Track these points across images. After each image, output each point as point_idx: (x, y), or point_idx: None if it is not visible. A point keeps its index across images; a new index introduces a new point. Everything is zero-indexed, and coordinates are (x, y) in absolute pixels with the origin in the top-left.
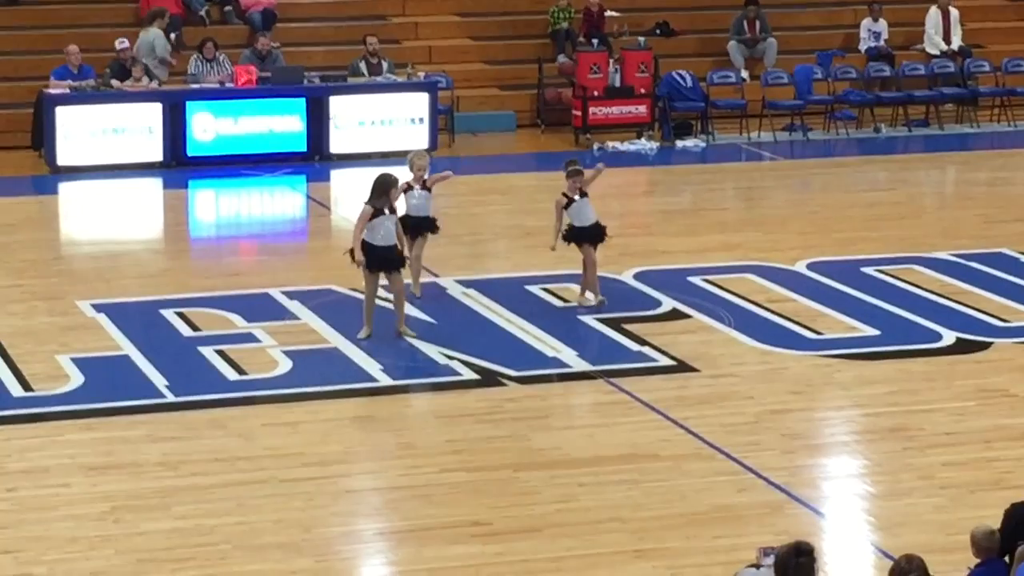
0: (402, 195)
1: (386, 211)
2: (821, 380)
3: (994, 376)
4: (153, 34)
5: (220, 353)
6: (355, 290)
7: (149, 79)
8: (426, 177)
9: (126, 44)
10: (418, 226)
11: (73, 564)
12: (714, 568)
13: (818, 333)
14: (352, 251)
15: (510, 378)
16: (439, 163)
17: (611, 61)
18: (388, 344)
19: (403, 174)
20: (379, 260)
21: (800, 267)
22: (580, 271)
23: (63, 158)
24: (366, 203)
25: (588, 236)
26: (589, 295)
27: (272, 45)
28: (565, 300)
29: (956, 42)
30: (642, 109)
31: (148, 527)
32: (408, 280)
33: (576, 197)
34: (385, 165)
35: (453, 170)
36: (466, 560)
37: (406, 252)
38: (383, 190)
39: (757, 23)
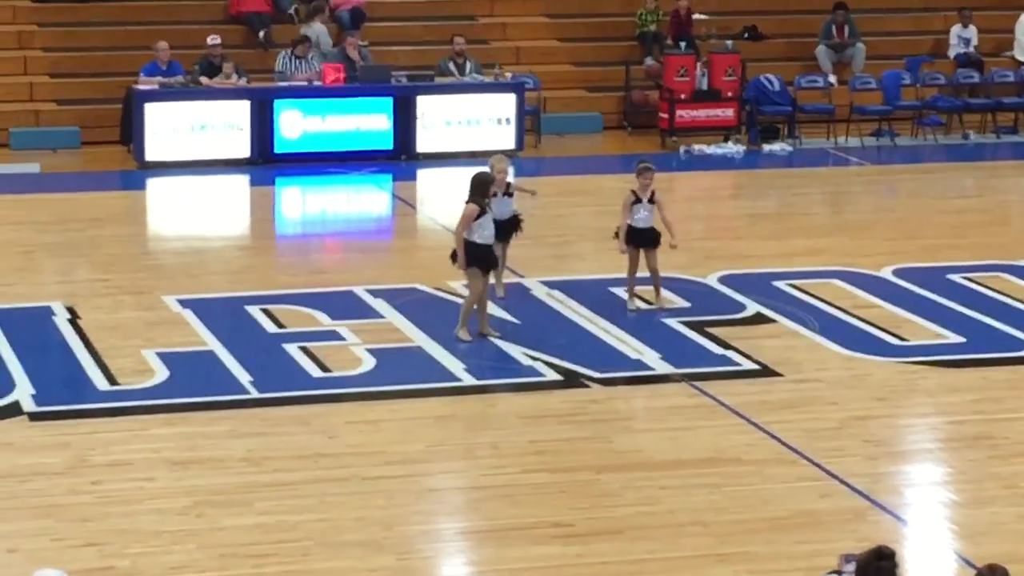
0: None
1: (488, 209)
2: (905, 387)
3: None
4: (317, 29)
5: (304, 350)
6: (440, 289)
7: (238, 76)
8: (510, 181)
9: (218, 40)
10: (503, 228)
11: (156, 558)
12: (796, 574)
13: (903, 340)
14: (454, 252)
15: (593, 380)
16: (526, 164)
17: (698, 64)
18: (472, 344)
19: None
20: (482, 259)
21: (886, 273)
22: (662, 274)
23: (151, 154)
24: (468, 202)
25: (641, 240)
26: (665, 294)
27: (361, 44)
28: (649, 302)
29: None
30: (729, 113)
31: (230, 522)
32: (492, 281)
33: (644, 198)
34: (472, 165)
35: (540, 170)
36: (547, 561)
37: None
38: (483, 188)
39: (846, 28)
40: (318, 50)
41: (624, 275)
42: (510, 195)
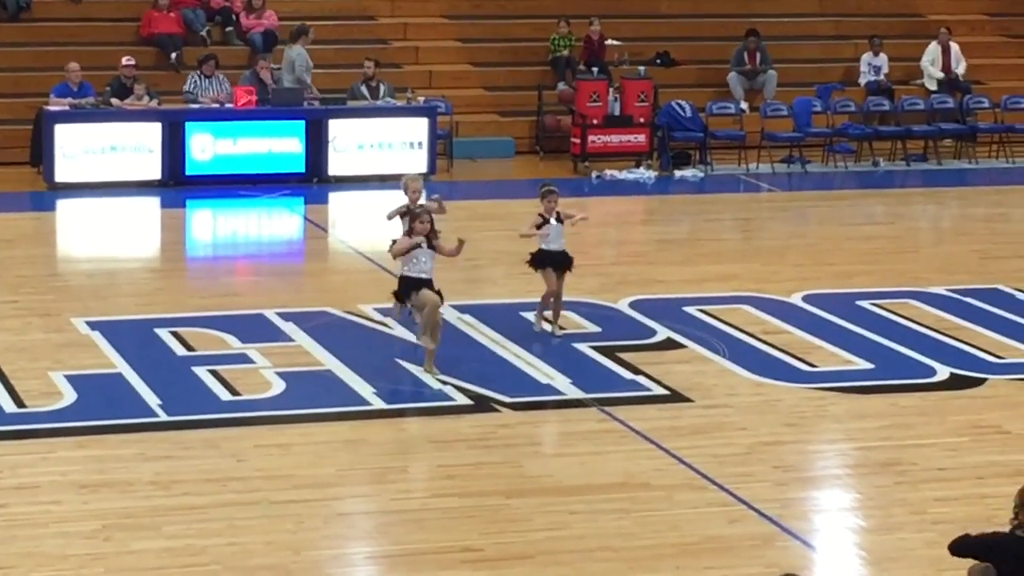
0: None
1: (422, 244)
2: (814, 413)
3: (988, 412)
4: (296, 52)
5: (214, 373)
6: (350, 312)
7: (149, 98)
8: (422, 201)
9: (132, 61)
10: (558, 260)
11: None
12: None
13: (812, 366)
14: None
15: (503, 404)
16: (438, 188)
17: (611, 90)
18: (382, 368)
19: (398, 198)
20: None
21: (796, 299)
22: (572, 299)
23: (61, 175)
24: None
25: (553, 262)
26: (567, 319)
27: (273, 67)
28: (561, 327)
29: (960, 72)
30: (641, 138)
31: (139, 546)
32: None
33: (552, 220)
34: (384, 189)
35: (452, 194)
36: None
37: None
38: (411, 218)
39: (757, 55)
40: (292, 74)
41: (535, 300)
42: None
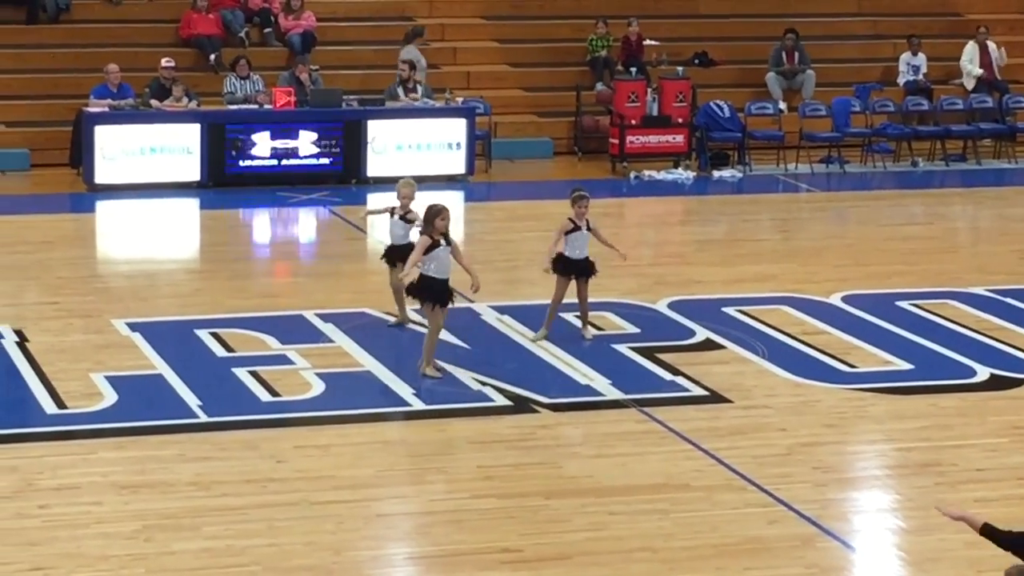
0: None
1: (441, 241)
2: (854, 413)
3: None
4: (410, 52)
5: (253, 374)
6: (389, 314)
7: (189, 99)
8: (411, 208)
9: (172, 63)
10: (395, 254)
11: None
12: None
13: (852, 366)
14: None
15: (543, 405)
16: (476, 189)
17: (649, 90)
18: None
19: (429, 199)
20: (437, 292)
21: (835, 300)
22: (611, 300)
23: (101, 176)
24: (422, 232)
25: (575, 270)
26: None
27: (312, 68)
28: (599, 328)
29: (996, 69)
30: (679, 139)
31: (178, 547)
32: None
33: (583, 227)
34: (423, 190)
35: (489, 195)
36: None
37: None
38: (431, 218)
39: (796, 55)
40: (412, 72)
41: (574, 300)
42: (410, 221)
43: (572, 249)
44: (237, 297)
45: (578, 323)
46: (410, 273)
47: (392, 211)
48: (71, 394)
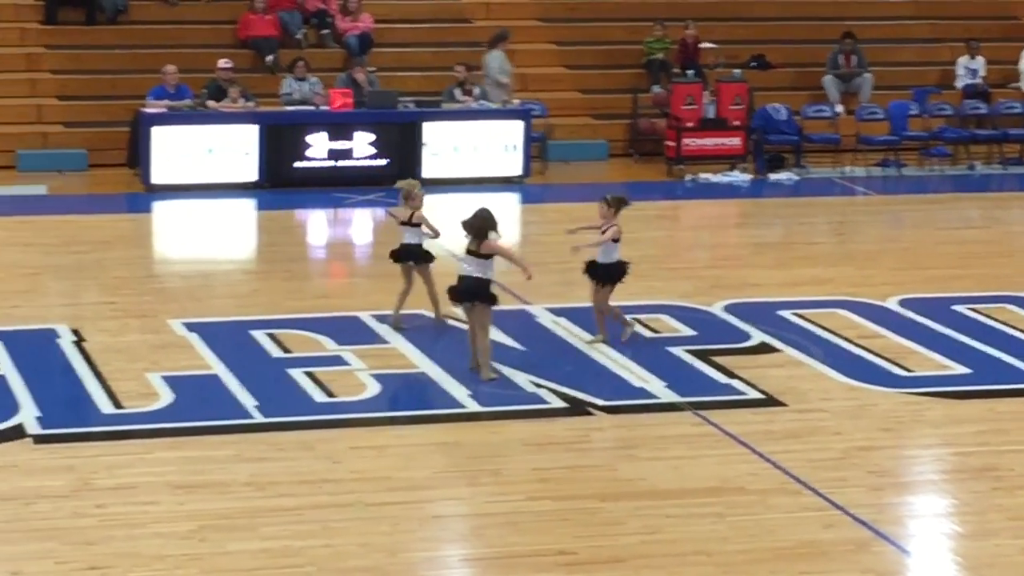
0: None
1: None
2: (910, 417)
3: None
4: (493, 56)
5: (309, 375)
6: (445, 315)
7: (245, 100)
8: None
9: (229, 64)
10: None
11: None
12: None
13: (908, 370)
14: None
15: (598, 407)
16: (532, 191)
17: (706, 93)
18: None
19: (484, 201)
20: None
21: (891, 303)
22: (667, 302)
23: (158, 177)
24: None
25: (601, 275)
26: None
27: (369, 69)
28: (654, 330)
29: None
30: (736, 141)
31: (234, 547)
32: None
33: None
34: (477, 191)
35: (545, 197)
36: None
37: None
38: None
39: (853, 58)
40: (490, 77)
41: (628, 303)
42: (416, 225)
43: (599, 254)
44: (293, 298)
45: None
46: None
47: (410, 220)
48: (127, 394)
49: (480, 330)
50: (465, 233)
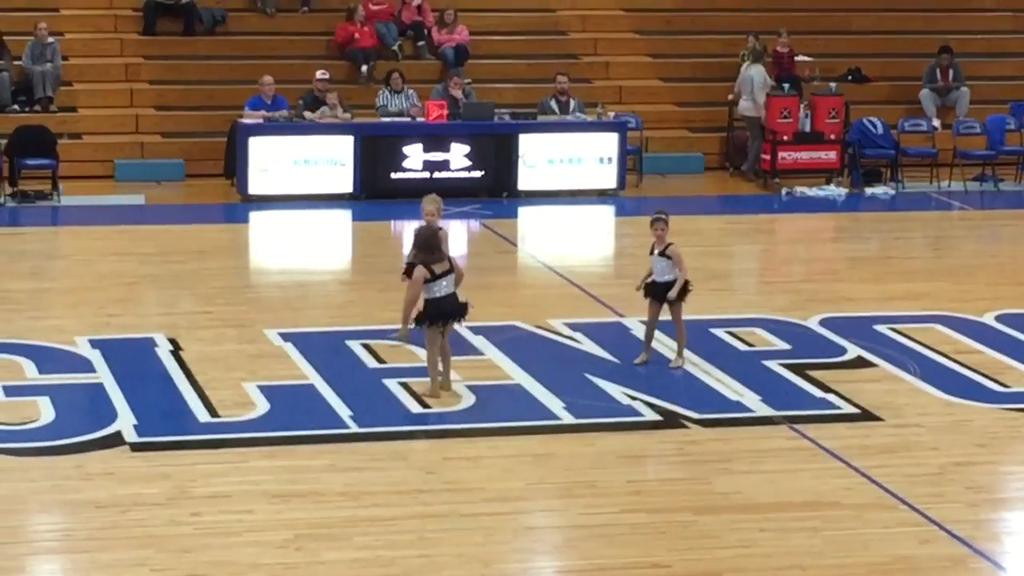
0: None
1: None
2: (1007, 434)
3: None
4: (755, 71)
5: (404, 386)
6: (540, 327)
7: (342, 111)
8: (440, 225)
9: (326, 76)
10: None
11: None
12: None
13: (1005, 386)
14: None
15: (692, 420)
16: (628, 204)
17: (802, 106)
18: (571, 382)
19: (580, 213)
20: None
21: (988, 319)
22: (762, 316)
23: (255, 187)
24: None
25: (656, 293)
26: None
27: (465, 81)
28: (749, 344)
29: None
30: (832, 155)
31: (330, 556)
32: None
33: (655, 252)
34: (573, 203)
35: (641, 210)
36: None
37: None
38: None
39: (950, 72)
40: (750, 93)
41: (723, 316)
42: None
43: (655, 273)
44: (388, 309)
45: (729, 339)
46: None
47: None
48: (224, 403)
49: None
50: (433, 253)
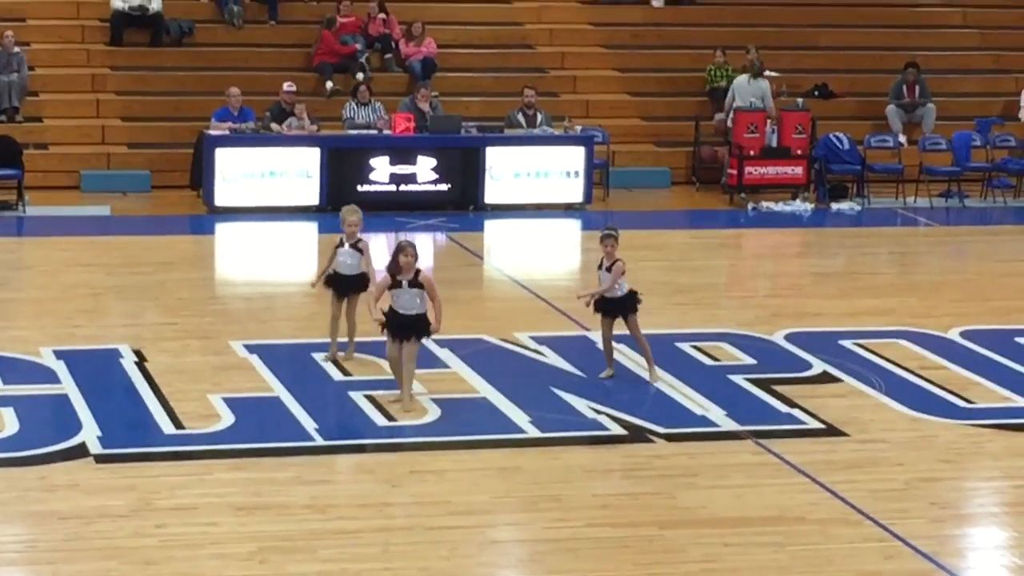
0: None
1: (403, 282)
2: (971, 449)
3: None
4: (761, 84)
5: (369, 398)
6: (506, 340)
7: (310, 123)
8: (360, 237)
9: (293, 88)
10: (346, 284)
11: None
12: None
13: (970, 402)
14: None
15: (658, 435)
16: (593, 218)
17: (768, 121)
18: (537, 396)
19: (547, 227)
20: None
21: (953, 335)
22: (728, 330)
23: (221, 199)
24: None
25: (604, 310)
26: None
27: (431, 94)
28: (715, 359)
29: None
30: (798, 170)
31: (294, 569)
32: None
33: (603, 268)
34: (539, 217)
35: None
36: None
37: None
38: (393, 254)
39: (916, 88)
40: (762, 103)
41: (689, 331)
42: (360, 250)
43: (605, 289)
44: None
45: (695, 354)
46: (375, 311)
47: (341, 242)
48: (189, 415)
49: (411, 361)
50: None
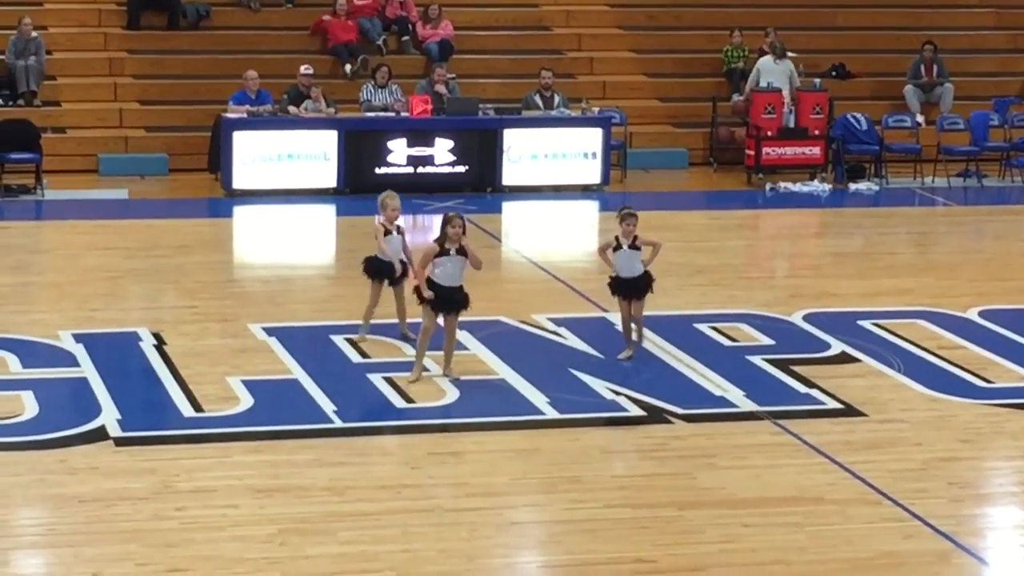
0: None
1: (452, 251)
2: (990, 429)
3: None
4: (788, 67)
5: (388, 380)
6: (524, 322)
7: (326, 106)
8: (399, 222)
9: (310, 70)
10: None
11: None
12: None
13: (988, 382)
14: (418, 288)
15: (676, 416)
16: (611, 199)
17: (786, 102)
18: (555, 377)
19: (565, 208)
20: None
21: (972, 314)
22: (746, 311)
23: (239, 182)
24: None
25: (623, 290)
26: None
27: (448, 76)
28: (734, 339)
29: None
30: (816, 151)
31: (314, 551)
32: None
33: (624, 246)
34: (557, 199)
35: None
36: None
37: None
38: (441, 224)
39: (934, 67)
40: (789, 85)
41: (708, 312)
42: (401, 234)
43: (622, 268)
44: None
45: (714, 335)
46: (423, 285)
47: (386, 230)
48: (208, 397)
49: (452, 336)
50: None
